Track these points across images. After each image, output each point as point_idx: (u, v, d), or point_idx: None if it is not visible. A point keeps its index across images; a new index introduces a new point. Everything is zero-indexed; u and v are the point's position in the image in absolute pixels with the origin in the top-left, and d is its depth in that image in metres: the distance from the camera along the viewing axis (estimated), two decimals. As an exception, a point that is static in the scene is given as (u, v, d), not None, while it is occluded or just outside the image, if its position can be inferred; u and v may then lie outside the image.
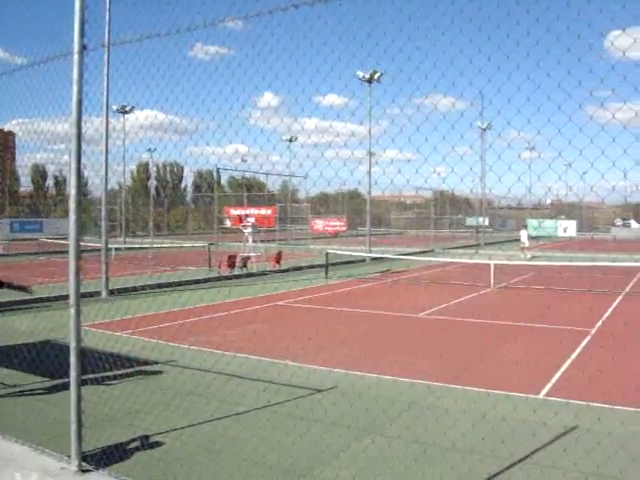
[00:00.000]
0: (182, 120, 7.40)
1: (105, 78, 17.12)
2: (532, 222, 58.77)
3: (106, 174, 19.66)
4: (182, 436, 7.36)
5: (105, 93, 18.04)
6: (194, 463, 6.58)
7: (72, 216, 5.99)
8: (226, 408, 8.32)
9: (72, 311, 5.94)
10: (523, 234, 39.98)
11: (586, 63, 4.41)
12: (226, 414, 8.13)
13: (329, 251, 28.07)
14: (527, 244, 38.93)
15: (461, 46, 4.83)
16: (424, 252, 40.70)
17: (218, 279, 24.76)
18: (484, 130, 45.52)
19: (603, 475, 6.36)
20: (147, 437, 7.22)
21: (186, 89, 6.69)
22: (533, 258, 35.21)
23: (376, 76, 34.28)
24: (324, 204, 73.74)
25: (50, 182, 72.15)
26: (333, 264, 28.59)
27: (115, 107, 42.74)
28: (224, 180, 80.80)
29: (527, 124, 4.83)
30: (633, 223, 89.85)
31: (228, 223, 49.68)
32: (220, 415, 8.07)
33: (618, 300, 19.88)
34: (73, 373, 5.97)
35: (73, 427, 5.97)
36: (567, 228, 75.74)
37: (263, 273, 26.91)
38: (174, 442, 7.15)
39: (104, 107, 18.53)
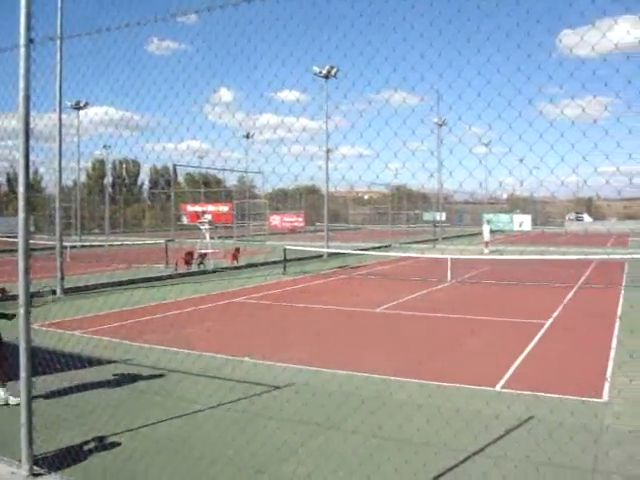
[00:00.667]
0: (140, 116, 7.30)
1: (58, 73, 16.80)
2: (488, 216, 59.45)
3: (60, 171, 19.31)
4: (137, 435, 7.27)
5: (58, 88, 17.69)
6: (150, 463, 6.49)
7: (21, 214, 5.86)
8: (182, 406, 8.25)
9: (21, 311, 5.81)
10: (485, 229, 40.30)
11: (536, 60, 4.46)
12: (182, 412, 8.05)
13: (287, 247, 28.04)
14: (489, 239, 39.28)
15: (412, 41, 4.84)
16: (381, 247, 40.91)
17: (175, 276, 24.52)
18: (440, 126, 46.01)
19: (554, 465, 6.47)
20: (102, 438, 7.11)
21: (144, 85, 6.58)
22: (492, 252, 35.62)
23: (333, 72, 34.25)
24: (282, 200, 73.60)
25: (1, 179, 70.58)
26: (291, 260, 28.57)
27: (69, 103, 42.15)
28: (181, 177, 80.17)
29: (478, 119, 4.86)
30: (586, 217, 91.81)
31: (185, 220, 49.26)
32: (176, 413, 7.99)
33: (572, 292, 20.27)
34: (23, 374, 5.84)
35: (23, 430, 5.83)
36: (522, 222, 77.04)
37: (220, 270, 26.75)
38: (129, 442, 7.05)
39: (57, 103, 18.17)
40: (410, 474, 6.23)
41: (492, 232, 41.81)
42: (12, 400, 8.11)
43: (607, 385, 9.43)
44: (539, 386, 9.16)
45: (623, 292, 20.09)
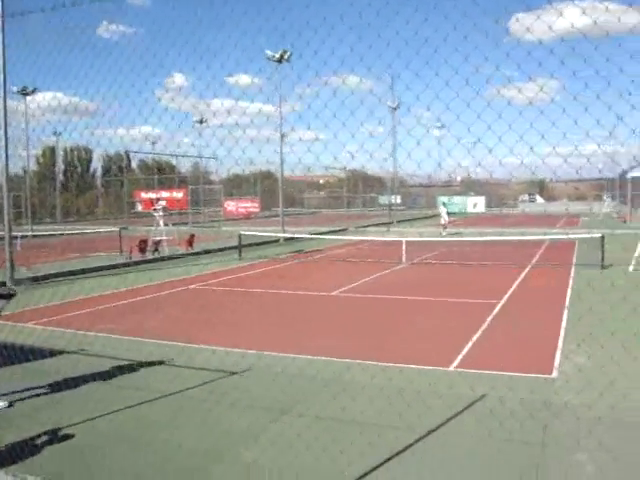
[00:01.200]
0: (90, 102, 7.12)
1: (1, 56, 16.37)
2: (442, 199, 60.02)
3: (7, 158, 18.78)
4: (94, 426, 7.16)
5: (2, 71, 17.20)
6: (108, 453, 6.42)
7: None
8: (139, 395, 8.14)
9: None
10: (443, 211, 40.22)
11: (493, 40, 4.47)
12: (140, 401, 7.95)
13: (242, 232, 27.89)
14: (447, 220, 39.22)
15: (369, 20, 4.79)
16: (337, 231, 41.01)
17: (130, 264, 24.20)
18: (394, 109, 46.17)
19: (515, 442, 6.61)
20: (57, 430, 6.97)
21: (92, 68, 6.41)
22: (451, 234, 35.84)
23: (286, 56, 34.06)
24: (237, 185, 73.08)
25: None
26: (246, 245, 28.44)
27: (15, 89, 41.03)
28: (135, 164, 79.03)
29: (436, 99, 4.86)
30: (538, 198, 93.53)
31: (139, 207, 48.66)
32: (133, 402, 7.89)
33: (525, 272, 20.62)
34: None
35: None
36: (476, 204, 78.16)
37: (175, 257, 26.51)
38: (86, 433, 6.95)
39: (1, 86, 17.63)
40: (374, 455, 6.29)
41: (449, 214, 41.85)
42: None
43: (557, 362, 9.65)
44: (492, 365, 9.32)
45: (574, 270, 20.53)
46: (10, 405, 7.74)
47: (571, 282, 17.99)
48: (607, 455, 6.30)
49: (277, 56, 34.12)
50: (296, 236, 33.40)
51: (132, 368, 9.35)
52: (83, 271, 21.67)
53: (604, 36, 4.04)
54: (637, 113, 4.21)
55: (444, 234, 36.27)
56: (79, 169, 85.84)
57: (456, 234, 35.71)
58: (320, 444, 6.60)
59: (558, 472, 6.02)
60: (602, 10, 4.07)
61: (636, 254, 19.68)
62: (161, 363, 9.51)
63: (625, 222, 44.21)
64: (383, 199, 71.47)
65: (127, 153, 60.27)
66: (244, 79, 6.22)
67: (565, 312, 13.48)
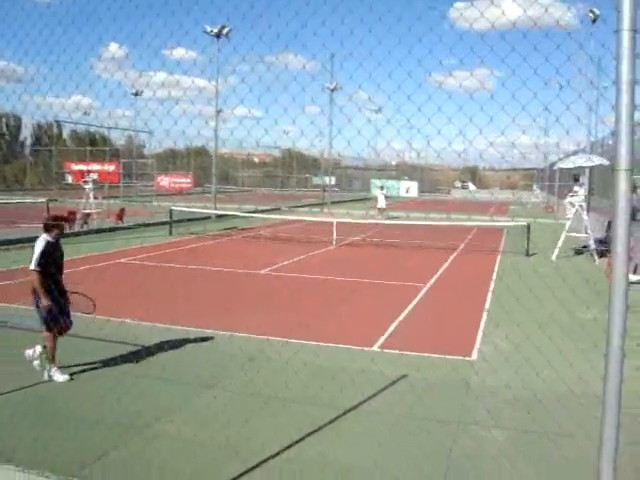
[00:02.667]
0: (23, 69, 6.86)
1: None
2: (379, 182, 60.40)
3: None
4: (8, 402, 6.99)
5: None
6: (25, 428, 6.30)
7: None
8: (60, 369, 7.98)
9: None
10: (380, 195, 39.03)
11: (436, 32, 4.51)
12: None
13: (174, 208, 27.53)
14: (384, 205, 38.30)
15: (315, 7, 4.78)
16: (271, 210, 40.90)
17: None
18: (332, 90, 46.24)
19: (434, 419, 6.81)
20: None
21: (23, 31, 6.16)
22: (385, 217, 35.72)
23: (224, 31, 33.61)
24: (172, 161, 71.91)
25: None
26: (178, 221, 28.10)
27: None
28: (67, 134, 76.68)
29: (378, 89, 4.89)
30: (470, 185, 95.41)
31: (70, 179, 47.33)
32: (53, 376, 7.76)
33: (453, 256, 21.07)
34: None
35: None
36: (409, 188, 79.06)
37: (105, 230, 26.00)
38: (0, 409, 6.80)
39: None
40: (295, 430, 6.36)
41: (387, 198, 40.90)
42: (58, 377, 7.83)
43: (478, 343, 9.96)
44: (415, 346, 9.53)
45: (500, 256, 21.08)
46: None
47: (496, 268, 18.48)
48: (518, 429, 6.58)
49: (215, 31, 33.67)
50: (228, 214, 33.15)
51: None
52: (7, 242, 21.00)
53: (533, 27, 4.14)
54: (561, 104, 4.33)
55: (379, 218, 35.66)
56: (7, 137, 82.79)
57: (395, 218, 35.92)
58: (242, 418, 6.64)
59: (473, 446, 6.23)
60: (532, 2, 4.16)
61: (559, 243, 20.31)
62: (82, 336, 9.29)
63: (552, 212, 45.52)
64: (317, 180, 71.42)
65: (58, 122, 58.53)
66: (181, 52, 6.11)
67: (489, 296, 13.87)
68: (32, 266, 7.64)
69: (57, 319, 7.70)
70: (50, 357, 7.75)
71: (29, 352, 7.89)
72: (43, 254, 7.70)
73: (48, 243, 7.88)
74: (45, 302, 7.61)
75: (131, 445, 6.06)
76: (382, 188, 40.39)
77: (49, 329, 7.70)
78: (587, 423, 6.13)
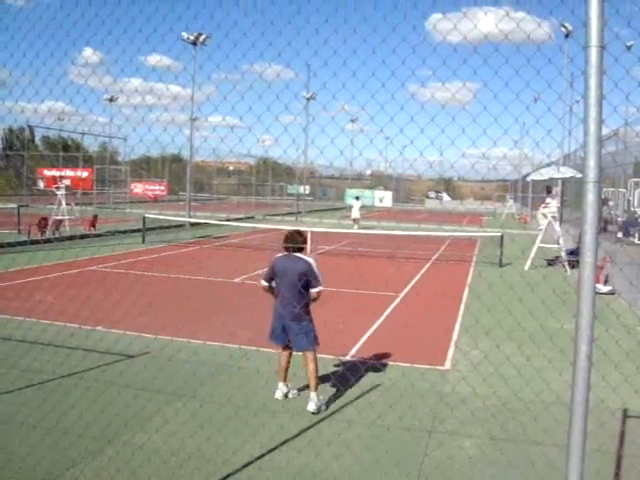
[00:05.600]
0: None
1: None
2: (352, 192, 60.54)
3: None
4: (-22, 408, 6.92)
5: None
6: (-10, 435, 6.22)
7: None
8: (28, 377, 7.90)
9: None
10: (355, 205, 38.45)
11: (410, 43, 4.56)
12: (28, 383, 7.73)
13: (147, 215, 27.37)
14: (358, 215, 37.88)
15: (289, 17, 4.81)
16: (245, 219, 40.82)
17: (27, 243, 23.30)
18: (308, 100, 46.32)
19: (405, 428, 6.85)
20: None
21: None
22: (360, 226, 35.67)
23: (201, 39, 33.63)
24: (146, 167, 71.45)
25: None
26: (151, 229, 27.96)
27: None
28: (39, 139, 75.88)
29: (352, 99, 4.92)
30: (445, 196, 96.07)
31: (42, 184, 46.94)
32: (21, 385, 7.66)
33: (426, 266, 21.20)
34: None
35: None
36: (383, 198, 79.36)
37: (77, 237, 25.74)
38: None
39: None
40: (266, 438, 6.38)
41: (362, 208, 40.23)
42: (292, 393, 7.87)
43: (450, 353, 10.04)
44: (388, 355, 9.59)
45: (473, 267, 21.26)
46: None
47: (469, 278, 18.65)
48: (488, 437, 6.65)
49: (192, 38, 33.66)
50: (202, 222, 33.04)
51: (22, 349, 9.02)
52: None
53: (505, 41, 4.21)
54: (533, 117, 4.40)
55: (355, 228, 35.49)
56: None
57: (369, 228, 35.91)
58: (213, 426, 6.62)
59: (444, 454, 6.28)
60: (503, 16, 4.22)
61: (532, 254, 20.54)
62: (53, 344, 9.20)
63: (525, 223, 46.01)
64: (292, 189, 71.33)
65: (30, 127, 57.95)
66: (156, 59, 6.09)
67: (461, 306, 13.99)
68: None
69: None
70: None
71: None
72: None
73: None
74: None
75: (101, 455, 6.00)
76: (357, 198, 40.23)
77: None
78: (555, 430, 6.23)
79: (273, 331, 7.71)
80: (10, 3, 6.70)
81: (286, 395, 7.72)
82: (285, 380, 7.78)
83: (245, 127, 5.73)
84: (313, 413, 7.23)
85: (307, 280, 7.51)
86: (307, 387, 7.65)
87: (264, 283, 7.89)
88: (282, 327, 7.58)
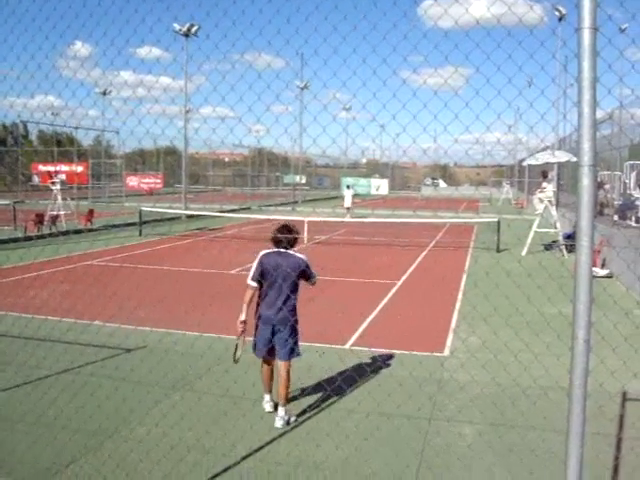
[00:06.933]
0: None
1: None
2: (348, 181, 60.37)
3: None
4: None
5: None
6: (-12, 432, 6.20)
7: None
8: (25, 373, 7.87)
9: None
10: (347, 194, 37.86)
11: (401, 29, 4.51)
12: (25, 380, 7.69)
13: (143, 208, 27.30)
14: (350, 204, 37.13)
15: (278, 5, 4.75)
16: (241, 209, 40.76)
17: (23, 239, 23.23)
18: (302, 89, 46.17)
19: (404, 415, 6.84)
20: None
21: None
22: (355, 216, 35.52)
23: (193, 30, 33.50)
24: (140, 160, 71.25)
25: None
26: (148, 222, 27.91)
27: None
28: (34, 135, 75.62)
29: (343, 87, 4.88)
30: (441, 183, 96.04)
31: (37, 180, 46.77)
32: (18, 381, 7.63)
33: (424, 253, 21.19)
34: None
35: None
36: (379, 186, 79.19)
37: (74, 232, 25.68)
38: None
39: None
40: (265, 430, 6.37)
41: (354, 196, 40.10)
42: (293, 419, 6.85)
43: (449, 340, 10.03)
44: (387, 343, 9.57)
45: (471, 253, 21.26)
46: None
47: (467, 264, 18.65)
48: (487, 423, 6.66)
49: (184, 29, 33.52)
50: (198, 214, 32.98)
51: (18, 345, 8.99)
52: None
53: (497, 25, 4.17)
54: (526, 101, 4.36)
55: (348, 217, 35.31)
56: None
57: (360, 215, 35.81)
58: (212, 419, 6.62)
59: (443, 442, 6.28)
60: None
61: (529, 239, 20.53)
62: (49, 339, 9.18)
63: (522, 208, 45.99)
64: (287, 178, 71.13)
65: (24, 123, 57.71)
66: (150, 52, 6.03)
67: (459, 292, 13.98)
68: None
69: None
70: None
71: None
72: None
73: None
74: None
75: (100, 450, 5.98)
76: (348, 187, 39.78)
77: None
78: (553, 415, 6.23)
79: (258, 341, 6.94)
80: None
81: (288, 422, 6.70)
82: (271, 391, 7.09)
83: (237, 117, 5.66)
84: (281, 427, 6.61)
85: (302, 277, 7.14)
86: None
87: (252, 283, 6.99)
88: (271, 332, 6.83)
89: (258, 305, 6.99)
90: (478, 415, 6.91)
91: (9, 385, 7.50)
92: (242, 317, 6.92)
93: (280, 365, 6.87)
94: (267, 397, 7.10)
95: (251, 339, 6.98)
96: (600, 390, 6.48)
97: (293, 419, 6.77)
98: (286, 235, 7.13)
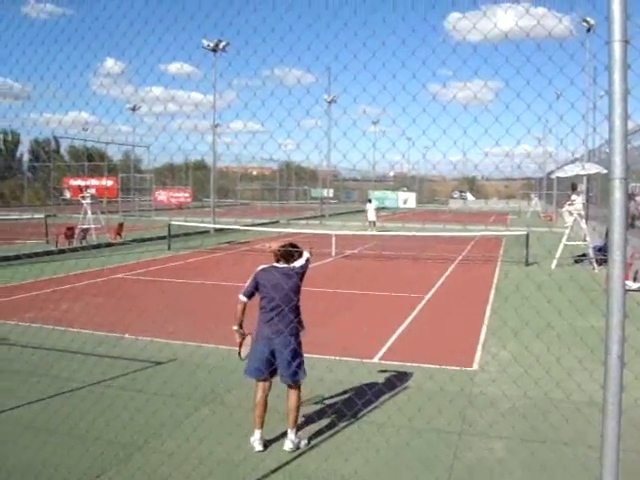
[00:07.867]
0: (20, 86, 6.87)
1: None
2: (376, 194, 60.32)
3: None
4: (9, 418, 6.99)
5: None
6: (24, 444, 6.27)
7: None
8: (58, 385, 7.96)
9: None
10: (370, 208, 37.54)
11: (430, 44, 4.53)
12: (58, 391, 7.78)
13: (172, 222, 27.54)
14: (374, 218, 37.05)
15: (309, 21, 4.80)
16: (269, 223, 40.91)
17: (55, 252, 23.56)
18: (329, 103, 46.33)
19: (434, 430, 6.79)
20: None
21: (19, 53, 6.16)
22: (379, 229, 35.45)
23: (221, 45, 33.84)
24: (170, 175, 71.94)
25: None
26: (176, 236, 28.11)
27: None
28: (64, 149, 76.86)
29: (373, 101, 4.90)
30: (469, 196, 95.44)
31: (68, 194, 47.48)
32: (52, 393, 7.72)
33: (451, 267, 21.06)
34: None
35: None
36: (407, 200, 79.03)
37: (103, 246, 25.98)
38: (1, 423, 6.78)
39: None
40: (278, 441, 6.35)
41: (377, 209, 40.01)
42: (304, 443, 6.46)
43: (478, 355, 9.95)
44: (415, 357, 9.52)
45: (499, 266, 21.09)
46: None
47: (496, 278, 18.49)
48: (518, 438, 6.58)
49: (212, 45, 33.88)
50: (227, 227, 33.16)
51: (52, 358, 9.11)
52: (9, 258, 20.98)
53: (526, 38, 4.16)
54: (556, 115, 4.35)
55: (370, 231, 34.40)
56: (4, 152, 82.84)
57: (383, 229, 35.66)
58: (242, 432, 6.61)
59: (474, 457, 6.22)
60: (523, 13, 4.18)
61: (558, 252, 20.32)
62: (82, 352, 9.29)
63: (551, 221, 45.54)
64: (315, 192, 71.28)
65: (56, 138, 58.74)
66: (177, 67, 6.12)
67: (488, 306, 13.87)
68: None
69: None
70: None
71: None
72: None
73: None
74: None
75: (130, 462, 6.03)
76: (370, 201, 39.31)
77: None
78: (586, 431, 6.14)
79: (255, 361, 6.53)
80: (34, 17, 6.77)
81: (298, 447, 6.34)
82: (262, 426, 6.39)
83: (267, 132, 5.71)
84: (291, 450, 6.28)
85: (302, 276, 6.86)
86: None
87: (243, 298, 6.84)
88: (271, 353, 6.43)
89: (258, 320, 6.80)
90: (509, 430, 6.84)
91: (43, 396, 7.59)
92: (235, 327, 6.86)
93: (290, 393, 6.49)
94: (258, 434, 6.36)
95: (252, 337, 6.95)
96: (635, 406, 6.38)
97: (304, 442, 6.42)
98: (287, 249, 6.88)
